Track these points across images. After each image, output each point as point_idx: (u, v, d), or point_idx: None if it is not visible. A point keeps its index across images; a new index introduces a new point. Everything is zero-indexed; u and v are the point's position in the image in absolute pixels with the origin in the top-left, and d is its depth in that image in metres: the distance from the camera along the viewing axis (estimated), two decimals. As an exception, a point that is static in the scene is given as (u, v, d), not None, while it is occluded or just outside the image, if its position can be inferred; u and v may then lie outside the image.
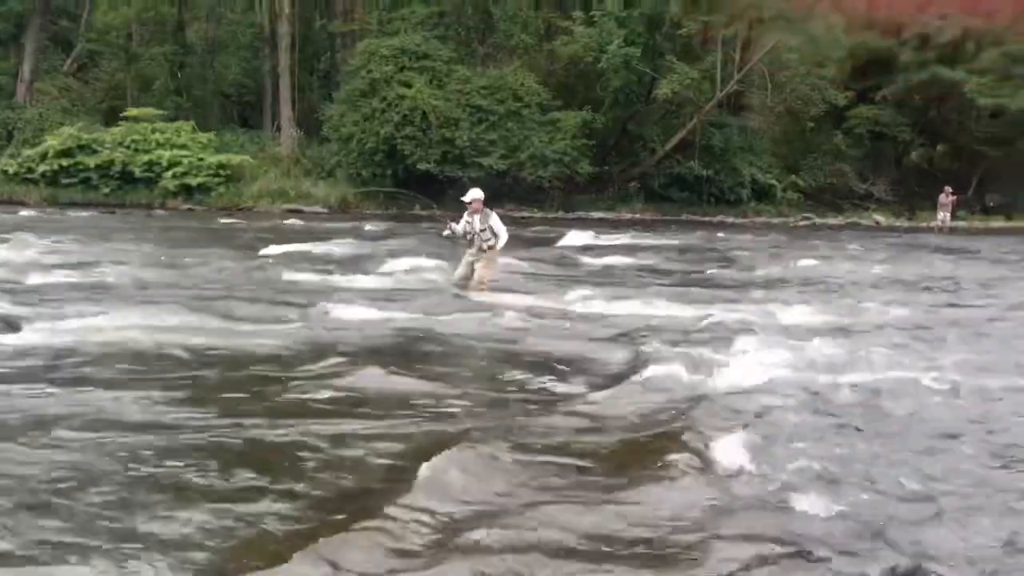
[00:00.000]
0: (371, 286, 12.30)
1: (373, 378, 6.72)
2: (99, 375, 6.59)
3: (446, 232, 12.48)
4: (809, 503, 4.46)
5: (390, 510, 4.09)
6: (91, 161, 34.69)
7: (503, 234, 11.73)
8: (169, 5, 42.78)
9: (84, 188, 34.73)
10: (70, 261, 14.13)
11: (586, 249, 20.28)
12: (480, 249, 11.75)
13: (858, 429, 5.71)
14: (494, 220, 11.72)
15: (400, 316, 9.73)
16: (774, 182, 38.87)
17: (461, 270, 12.03)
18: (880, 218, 38.88)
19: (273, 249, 17.08)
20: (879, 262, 18.47)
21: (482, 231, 11.71)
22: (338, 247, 18.22)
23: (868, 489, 4.70)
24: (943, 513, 4.41)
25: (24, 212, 27.21)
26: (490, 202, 37.16)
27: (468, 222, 11.86)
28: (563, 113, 36.35)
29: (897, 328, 9.66)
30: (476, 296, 11.33)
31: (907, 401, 6.42)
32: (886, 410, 6.22)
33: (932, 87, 38.55)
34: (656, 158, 38.28)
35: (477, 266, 11.78)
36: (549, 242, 21.94)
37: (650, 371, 7.22)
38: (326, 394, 6.29)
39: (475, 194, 11.93)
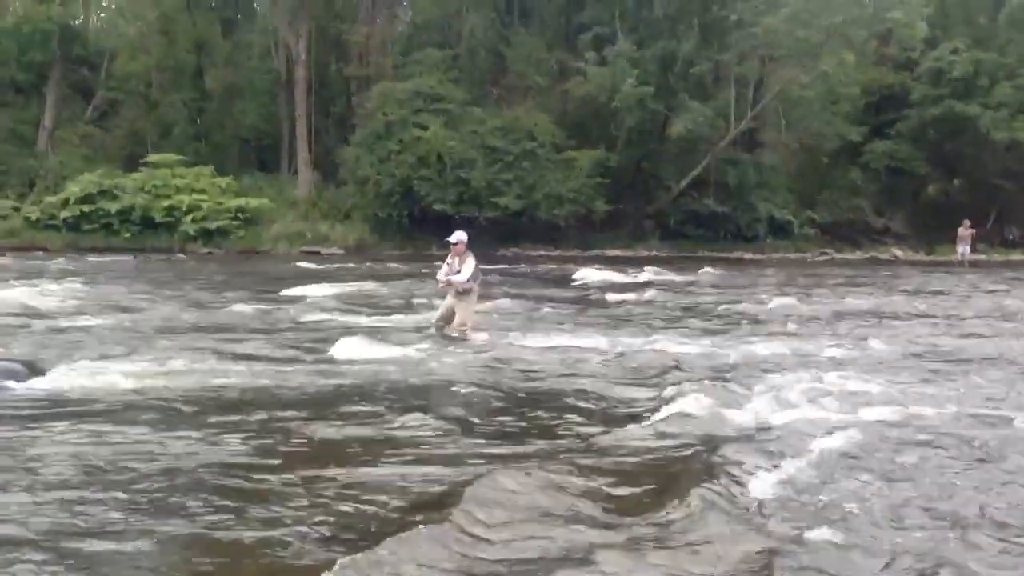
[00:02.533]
0: (385, 326, 12.32)
1: (392, 418, 6.69)
2: (122, 417, 6.59)
3: (440, 286, 12.43)
4: (839, 539, 4.38)
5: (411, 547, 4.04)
6: (112, 207, 35.10)
7: (465, 274, 11.60)
8: (188, 53, 43.50)
9: (105, 233, 35.11)
10: (92, 306, 14.23)
11: (603, 287, 20.26)
12: (457, 292, 11.70)
13: (891, 465, 5.63)
14: (467, 263, 11.66)
15: (417, 356, 9.73)
16: (791, 218, 38.84)
17: (440, 311, 11.98)
18: (899, 252, 38.73)
19: (292, 291, 17.17)
20: (906, 294, 18.36)
21: (457, 273, 11.69)
22: (355, 288, 18.29)
23: (901, 525, 4.62)
24: (990, 548, 4.32)
25: (46, 258, 27.46)
26: (506, 241, 37.34)
27: (449, 264, 11.87)
28: (578, 152, 36.56)
29: (937, 361, 9.57)
30: (481, 337, 11.29)
31: (941, 435, 6.33)
32: (921, 444, 6.13)
33: (947, 122, 38.61)
34: (671, 195, 38.37)
35: (457, 308, 11.72)
36: (565, 280, 21.93)
37: (673, 408, 7.15)
38: (349, 433, 6.28)
39: (459, 236, 11.92)
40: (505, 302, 15.05)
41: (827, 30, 35.95)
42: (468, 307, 11.72)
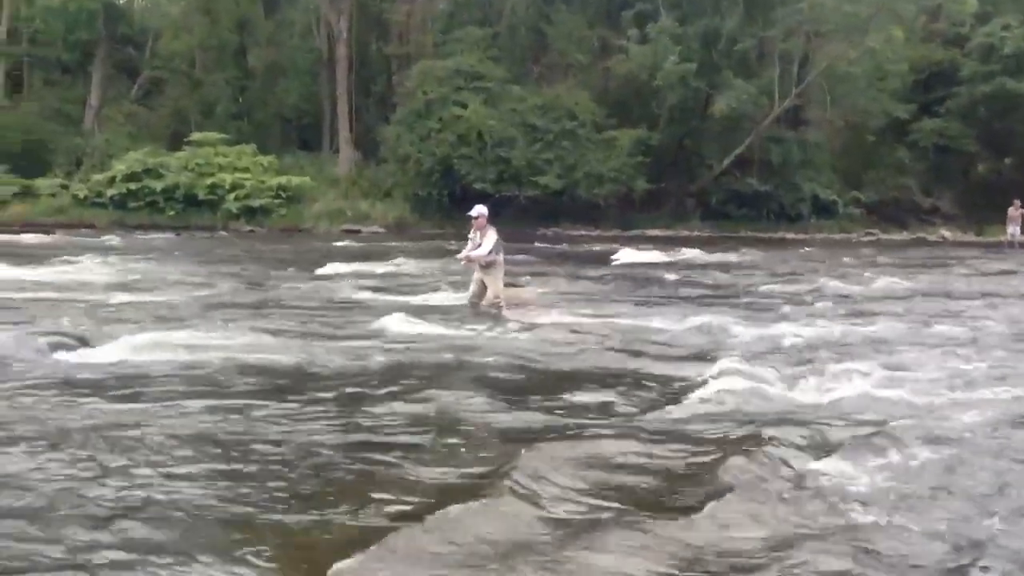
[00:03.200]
0: (426, 303, 12.34)
1: (433, 394, 6.71)
2: (168, 390, 6.68)
3: (462, 263, 12.47)
4: (888, 522, 4.31)
5: (457, 521, 4.05)
6: (157, 185, 35.56)
7: (485, 248, 11.58)
8: (231, 32, 43.78)
9: (150, 211, 35.60)
10: (138, 281, 14.46)
11: (643, 266, 20.13)
12: (486, 265, 11.69)
13: (942, 447, 5.52)
14: (488, 236, 11.62)
15: (457, 333, 9.74)
16: (835, 197, 38.25)
17: (472, 288, 11.98)
18: (947, 233, 38.01)
19: (332, 268, 17.28)
20: (959, 276, 18.02)
21: (479, 248, 11.68)
22: (395, 266, 18.36)
23: (950, 509, 4.54)
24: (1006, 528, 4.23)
25: (93, 235, 27.92)
26: (546, 221, 37.22)
27: (471, 238, 11.86)
28: (618, 131, 36.28)
29: (992, 344, 9.37)
30: (531, 314, 11.29)
31: (995, 419, 6.19)
32: (969, 427, 5.99)
33: (998, 99, 37.71)
34: (714, 174, 37.98)
35: (486, 282, 11.72)
36: (605, 260, 21.81)
37: (716, 386, 7.09)
38: (396, 408, 6.31)
39: (480, 210, 11.90)
40: (530, 289, 14.69)
41: (875, 5, 35.25)
42: (496, 280, 11.72)
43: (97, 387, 6.73)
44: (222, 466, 4.94)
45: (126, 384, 6.85)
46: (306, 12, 45.62)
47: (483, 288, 11.75)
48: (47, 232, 27.29)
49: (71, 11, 42.75)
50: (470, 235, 11.98)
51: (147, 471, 4.77)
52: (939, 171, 41.00)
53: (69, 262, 17.27)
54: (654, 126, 37.06)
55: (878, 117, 38.44)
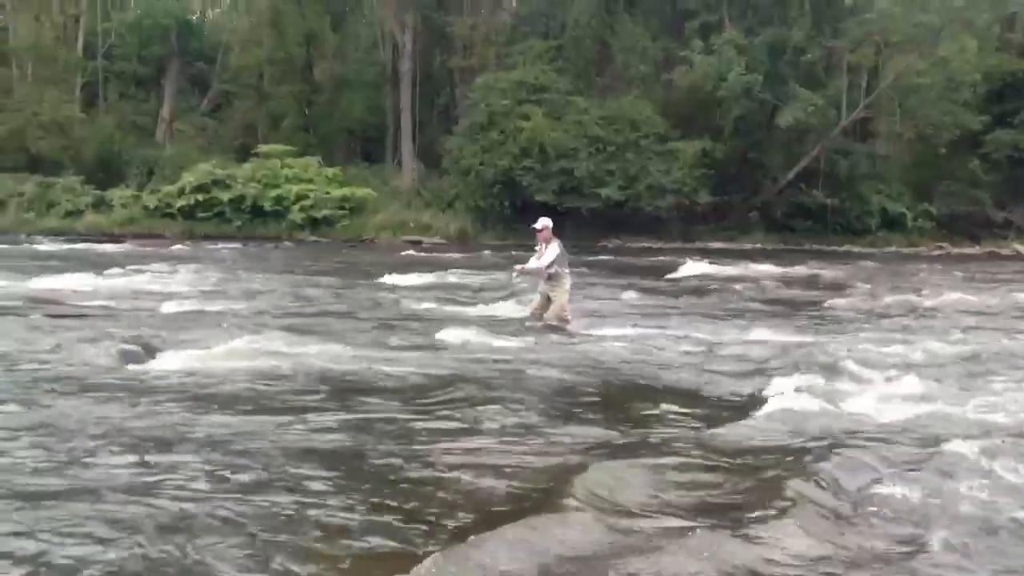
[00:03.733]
0: (488, 315, 12.35)
1: (494, 407, 6.69)
2: (231, 398, 6.78)
3: (515, 276, 12.43)
4: (943, 546, 4.18)
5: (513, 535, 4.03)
6: (224, 196, 36.34)
7: (546, 259, 11.47)
8: (298, 46, 44.64)
9: (218, 222, 36.39)
10: (206, 291, 14.74)
11: (705, 278, 19.90)
12: (549, 278, 11.57)
13: (1009, 474, 5.33)
14: (551, 248, 11.51)
15: (518, 345, 9.72)
16: (904, 210, 37.43)
17: (536, 300, 11.86)
18: (1021, 247, 36.91)
19: (395, 279, 17.42)
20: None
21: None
22: (457, 277, 18.44)
23: (1000, 533, 4.38)
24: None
25: (163, 245, 28.61)
26: (608, 233, 37.07)
27: (537, 251, 11.77)
28: (681, 143, 36.04)
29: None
30: (580, 327, 11.21)
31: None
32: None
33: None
34: (778, 187, 37.47)
35: (551, 296, 11.59)
36: (668, 271, 21.62)
37: (777, 402, 6.96)
38: (454, 421, 6.31)
39: (544, 222, 11.79)
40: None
41: (947, 14, 34.47)
42: (561, 294, 11.60)
43: (169, 396, 6.85)
44: (287, 475, 4.99)
45: (195, 393, 6.97)
46: (371, 26, 46.32)
47: (547, 301, 11.65)
48: (119, 241, 28.04)
49: (145, 27, 44.11)
50: (537, 247, 11.92)
51: (204, 481, 4.84)
52: (1013, 184, 39.83)
53: (140, 271, 17.71)
54: (717, 138, 36.72)
55: (950, 129, 37.51)
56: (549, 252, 11.49)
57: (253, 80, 45.68)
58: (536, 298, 11.91)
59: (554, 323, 11.39)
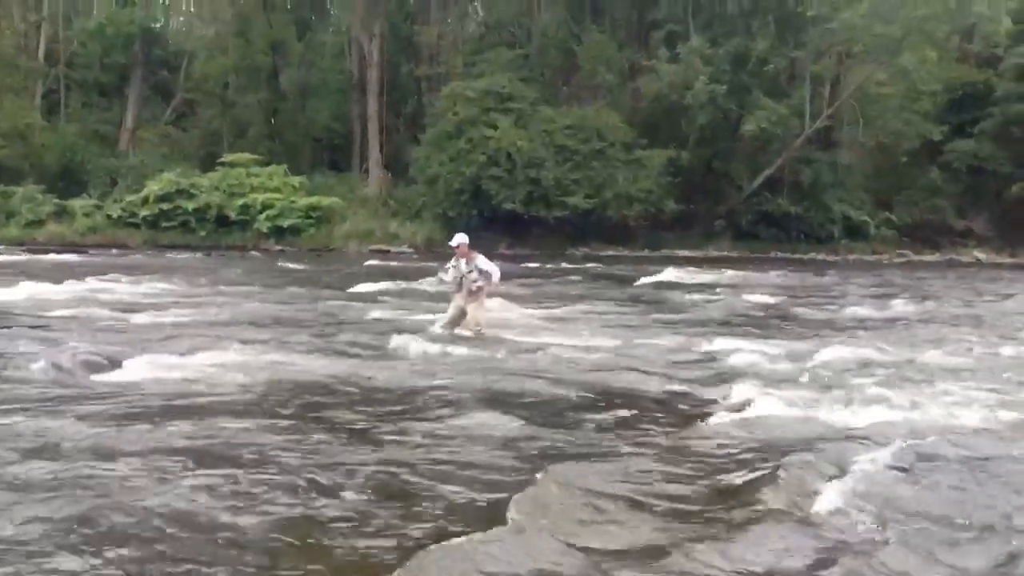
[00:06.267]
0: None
1: (453, 415, 6.69)
2: (197, 407, 6.71)
3: (438, 280, 12.49)
4: (905, 547, 4.23)
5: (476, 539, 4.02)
6: (189, 205, 36.04)
7: (495, 271, 11.50)
8: (264, 54, 44.43)
9: (183, 231, 36.07)
10: (170, 301, 14.59)
11: (670, 286, 20.02)
12: (469, 292, 11.60)
13: (968, 474, 5.40)
14: (481, 261, 11.55)
15: (482, 354, 9.71)
16: (866, 218, 37.96)
17: (450, 312, 11.83)
18: (981, 255, 37.53)
19: (361, 288, 17.35)
20: (993, 300, 17.75)
21: (469, 273, 11.58)
22: (423, 286, 18.39)
23: (977, 540, 4.44)
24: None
25: (127, 254, 28.26)
26: (575, 241, 37.10)
27: (454, 267, 11.75)
28: (648, 151, 36.29)
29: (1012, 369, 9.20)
30: (545, 336, 11.21)
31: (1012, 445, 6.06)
32: (997, 454, 5.87)
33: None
34: (743, 195, 37.83)
35: (469, 308, 11.61)
36: (633, 280, 21.73)
37: (743, 410, 7.01)
38: (415, 428, 6.29)
39: (460, 239, 11.82)
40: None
41: (907, 25, 35.02)
42: (480, 306, 11.64)
43: (134, 405, 6.77)
44: (241, 481, 4.94)
45: (159, 403, 6.89)
46: (338, 34, 46.23)
47: (462, 314, 11.64)
48: (81, 252, 27.66)
49: (108, 34, 43.62)
50: (452, 262, 11.84)
51: (168, 486, 4.78)
52: (972, 192, 40.56)
53: (102, 281, 17.48)
54: (683, 146, 37.02)
55: (911, 138, 38.14)
56: (489, 265, 11.51)
57: (218, 88, 45.37)
58: (451, 311, 11.80)
59: (467, 333, 11.31)
